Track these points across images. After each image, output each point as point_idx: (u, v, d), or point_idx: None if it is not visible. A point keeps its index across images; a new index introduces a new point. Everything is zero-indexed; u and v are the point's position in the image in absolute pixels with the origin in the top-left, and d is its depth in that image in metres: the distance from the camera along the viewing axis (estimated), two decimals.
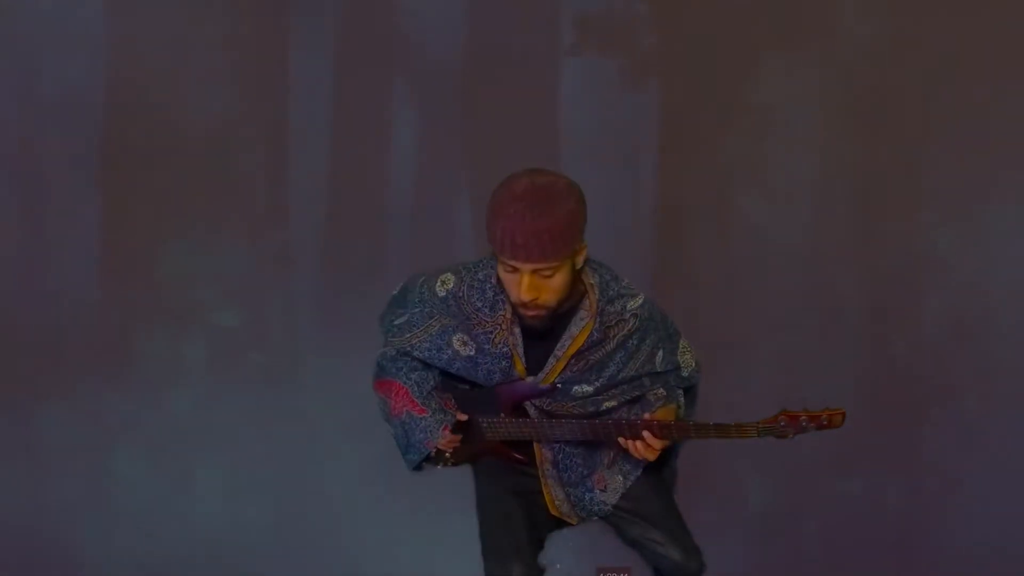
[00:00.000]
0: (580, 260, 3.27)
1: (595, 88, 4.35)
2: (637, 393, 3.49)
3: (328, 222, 4.29)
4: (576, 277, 3.30)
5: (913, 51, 4.33)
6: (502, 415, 3.46)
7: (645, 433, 3.31)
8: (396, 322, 3.54)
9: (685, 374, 3.59)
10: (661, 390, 3.49)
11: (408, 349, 3.49)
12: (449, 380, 3.57)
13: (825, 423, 3.31)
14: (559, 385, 3.39)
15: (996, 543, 4.11)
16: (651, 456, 3.34)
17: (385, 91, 4.33)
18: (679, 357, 3.60)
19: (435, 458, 3.60)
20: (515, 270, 3.16)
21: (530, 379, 3.40)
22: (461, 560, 3.79)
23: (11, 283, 4.25)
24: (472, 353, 3.41)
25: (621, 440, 3.34)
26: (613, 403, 3.46)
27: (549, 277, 3.17)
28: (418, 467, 3.63)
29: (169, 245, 4.28)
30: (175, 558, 4.11)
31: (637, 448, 3.32)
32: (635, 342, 3.44)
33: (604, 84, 4.34)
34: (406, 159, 4.30)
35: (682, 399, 3.56)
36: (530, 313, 3.23)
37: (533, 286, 3.16)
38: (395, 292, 3.60)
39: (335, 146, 4.32)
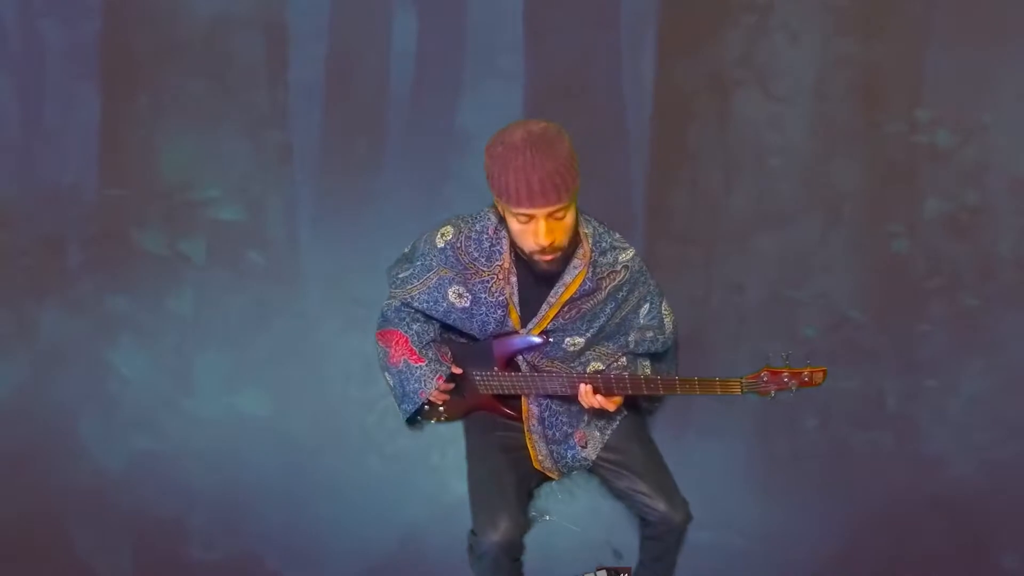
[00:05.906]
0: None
1: None
2: (621, 355, 3.62)
3: (327, 120, 4.28)
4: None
5: None
6: (495, 369, 3.53)
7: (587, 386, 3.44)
8: (400, 275, 3.65)
9: (669, 331, 3.66)
10: (624, 359, 3.62)
11: (409, 300, 3.57)
12: (448, 334, 3.68)
13: (807, 380, 3.38)
14: (551, 339, 3.45)
15: (994, 441, 4.17)
16: (590, 402, 3.46)
17: None
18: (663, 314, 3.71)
19: (428, 411, 3.68)
20: (529, 220, 3.19)
21: (523, 331, 3.45)
22: (456, 448, 3.84)
23: (11, 180, 4.25)
24: (467, 305, 3.50)
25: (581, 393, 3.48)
26: (599, 364, 3.53)
27: (562, 219, 3.21)
28: (412, 420, 3.71)
29: (169, 142, 4.26)
30: (174, 454, 4.17)
31: (586, 398, 3.46)
32: (624, 293, 3.53)
33: None
34: (406, 56, 4.27)
35: (648, 371, 3.68)
36: (547, 257, 3.29)
37: (550, 230, 3.20)
38: (406, 249, 3.67)
39: (334, 42, 4.29)
